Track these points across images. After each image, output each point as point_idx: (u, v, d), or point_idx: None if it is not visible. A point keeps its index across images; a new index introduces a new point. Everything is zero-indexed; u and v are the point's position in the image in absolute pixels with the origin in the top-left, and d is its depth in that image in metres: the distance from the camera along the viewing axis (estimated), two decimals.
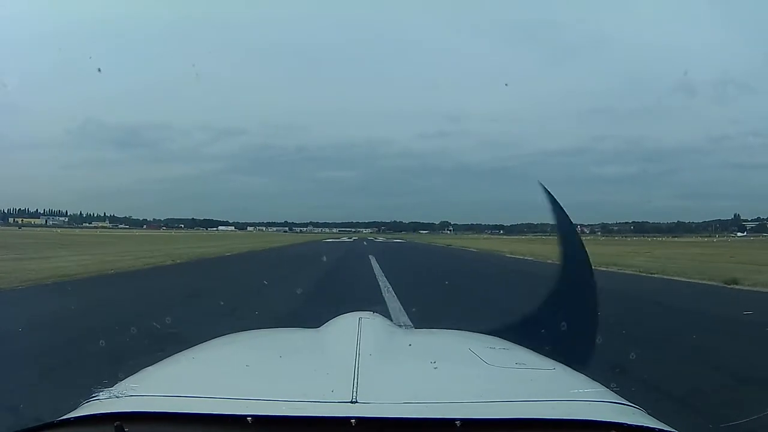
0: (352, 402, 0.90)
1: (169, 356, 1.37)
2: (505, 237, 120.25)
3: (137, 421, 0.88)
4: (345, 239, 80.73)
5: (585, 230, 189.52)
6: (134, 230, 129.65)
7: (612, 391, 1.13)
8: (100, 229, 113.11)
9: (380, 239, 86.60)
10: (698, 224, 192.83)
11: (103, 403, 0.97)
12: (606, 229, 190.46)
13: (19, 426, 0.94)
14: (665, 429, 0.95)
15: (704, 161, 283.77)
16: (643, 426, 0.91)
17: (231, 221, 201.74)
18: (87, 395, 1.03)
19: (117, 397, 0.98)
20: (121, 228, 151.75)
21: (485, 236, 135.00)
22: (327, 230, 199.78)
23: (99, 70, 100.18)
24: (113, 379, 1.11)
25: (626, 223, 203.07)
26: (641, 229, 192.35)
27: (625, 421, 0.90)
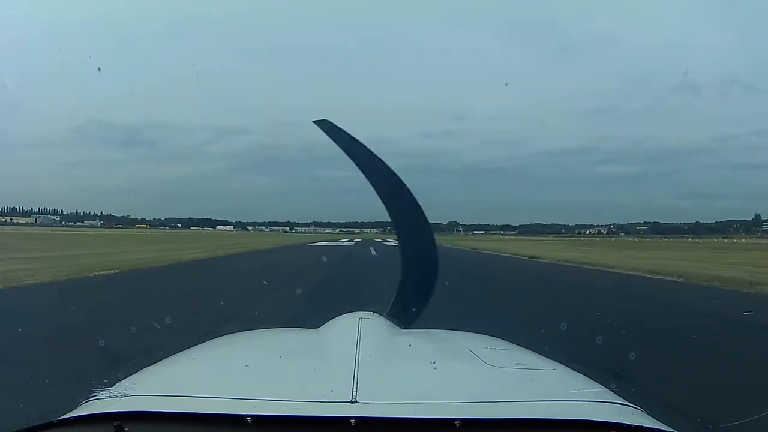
0: (351, 402, 0.91)
1: (169, 356, 1.37)
2: (534, 239, 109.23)
3: (137, 420, 0.89)
4: (344, 242, 57.86)
5: (602, 230, 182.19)
6: (105, 229, 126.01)
7: (612, 391, 1.14)
8: (66, 229, 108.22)
9: (390, 242, 51.77)
10: (717, 224, 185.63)
11: (103, 402, 0.98)
12: (622, 230, 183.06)
13: (19, 426, 0.94)
14: (665, 429, 0.96)
15: (717, 161, 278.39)
16: (642, 426, 0.92)
17: (232, 221, 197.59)
18: (87, 395, 1.04)
19: (117, 397, 0.99)
20: (100, 227, 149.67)
21: (512, 237, 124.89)
22: (330, 230, 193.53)
23: (99, 69, 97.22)
24: (113, 379, 1.11)
25: (638, 223, 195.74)
26: (659, 229, 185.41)
27: (625, 421, 0.91)
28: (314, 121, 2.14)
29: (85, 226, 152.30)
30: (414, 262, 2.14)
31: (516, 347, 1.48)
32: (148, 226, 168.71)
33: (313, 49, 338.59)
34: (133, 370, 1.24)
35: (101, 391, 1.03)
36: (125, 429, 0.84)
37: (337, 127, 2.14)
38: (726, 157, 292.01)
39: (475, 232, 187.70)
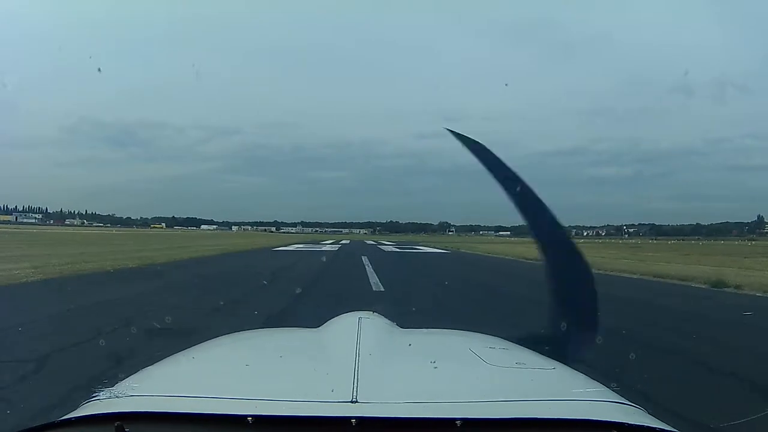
0: (352, 402, 0.91)
1: (169, 356, 1.38)
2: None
3: (137, 421, 0.90)
4: (327, 246, 42.10)
5: (600, 232, 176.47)
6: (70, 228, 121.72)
7: (612, 390, 1.14)
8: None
9: (388, 246, 44.86)
10: (717, 225, 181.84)
11: (103, 403, 0.99)
12: (620, 232, 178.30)
13: (19, 426, 0.95)
14: (666, 429, 0.96)
15: (711, 162, 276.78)
16: (643, 426, 0.93)
17: (218, 220, 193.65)
18: (87, 395, 1.04)
19: (117, 397, 1.00)
20: (80, 225, 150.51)
21: (523, 240, 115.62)
22: (318, 230, 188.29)
23: (99, 69, 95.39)
24: (113, 379, 1.11)
25: (633, 224, 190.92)
26: (660, 231, 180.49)
27: (626, 420, 0.92)
28: (446, 129, 2.14)
29: (66, 225, 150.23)
30: (567, 280, 1.84)
31: (516, 347, 1.47)
32: (164, 226, 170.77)
33: (306, 49, 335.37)
34: (134, 370, 1.23)
35: (102, 391, 1.03)
36: (126, 429, 0.85)
37: (464, 135, 2.10)
38: (720, 159, 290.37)
39: (497, 233, 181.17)
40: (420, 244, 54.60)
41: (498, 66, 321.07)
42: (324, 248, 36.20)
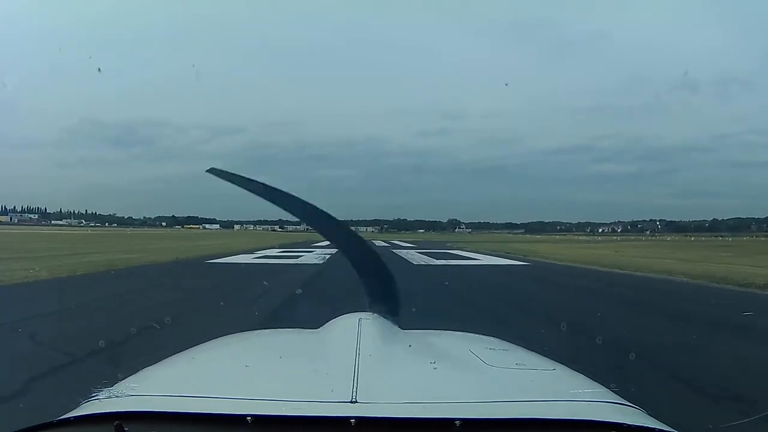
0: (351, 402, 0.92)
1: (169, 356, 1.39)
2: (584, 239, 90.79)
3: (137, 420, 0.91)
4: (311, 256, 25.72)
5: (616, 228, 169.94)
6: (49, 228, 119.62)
7: (612, 391, 1.15)
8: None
9: (412, 252, 33.81)
10: (733, 221, 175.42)
11: (103, 402, 1.00)
12: (636, 228, 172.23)
13: (19, 426, 0.95)
14: (665, 429, 0.97)
15: (718, 159, 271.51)
16: (642, 426, 0.94)
17: (220, 219, 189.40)
18: (87, 395, 1.05)
19: (117, 397, 1.01)
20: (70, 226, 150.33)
21: (540, 238, 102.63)
22: None
23: (99, 70, 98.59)
24: (113, 379, 1.12)
25: (645, 220, 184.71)
26: (675, 227, 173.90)
27: (625, 421, 0.93)
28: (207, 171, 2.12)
29: (63, 224, 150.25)
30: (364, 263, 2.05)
31: (516, 347, 1.47)
32: (200, 227, 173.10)
33: (309, 48, 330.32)
34: (133, 370, 1.24)
35: (101, 391, 1.04)
36: (125, 429, 0.86)
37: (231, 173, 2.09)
38: (726, 155, 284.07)
39: (509, 231, 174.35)
40: (449, 245, 41.20)
41: (499, 64, 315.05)
42: (303, 260, 23.55)
